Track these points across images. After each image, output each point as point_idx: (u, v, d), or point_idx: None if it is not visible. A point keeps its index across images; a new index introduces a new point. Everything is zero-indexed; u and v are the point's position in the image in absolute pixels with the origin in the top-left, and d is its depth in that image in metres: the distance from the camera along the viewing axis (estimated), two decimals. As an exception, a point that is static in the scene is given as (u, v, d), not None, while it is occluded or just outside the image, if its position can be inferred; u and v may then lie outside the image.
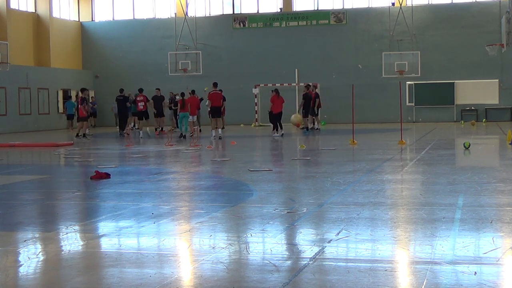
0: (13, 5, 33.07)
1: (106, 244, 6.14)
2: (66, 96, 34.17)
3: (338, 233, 6.24)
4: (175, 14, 36.79)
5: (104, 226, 7.05)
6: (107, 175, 11.19)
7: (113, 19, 38.27)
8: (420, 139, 20.97)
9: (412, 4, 34.23)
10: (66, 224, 7.14)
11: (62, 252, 5.90)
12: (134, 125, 28.50)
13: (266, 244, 5.96)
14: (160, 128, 26.58)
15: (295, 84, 33.72)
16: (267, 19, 36.04)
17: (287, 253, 5.62)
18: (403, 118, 22.48)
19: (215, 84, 23.38)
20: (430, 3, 34.76)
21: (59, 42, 35.90)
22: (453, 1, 34.37)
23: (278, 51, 35.58)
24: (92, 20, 38.50)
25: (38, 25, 34.90)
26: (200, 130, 25.30)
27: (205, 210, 7.88)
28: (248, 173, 11.52)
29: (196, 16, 36.80)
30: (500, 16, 29.71)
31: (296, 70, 34.70)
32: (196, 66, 35.70)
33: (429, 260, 5.17)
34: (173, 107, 27.29)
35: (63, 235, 6.62)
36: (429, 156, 14.44)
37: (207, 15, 37.04)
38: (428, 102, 33.90)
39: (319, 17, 35.44)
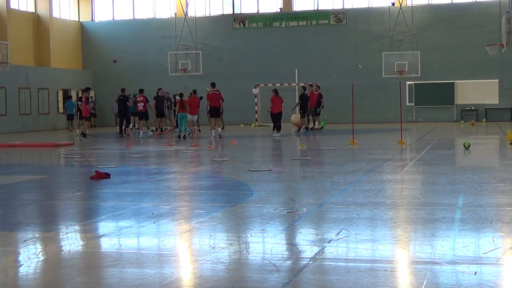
0: (13, 5, 33.07)
1: (106, 244, 6.14)
2: (66, 96, 34.19)
3: (338, 233, 6.24)
4: (175, 14, 36.79)
5: (104, 226, 7.05)
6: (107, 175, 11.19)
7: (113, 19, 38.27)
8: (420, 139, 20.97)
9: (412, 4, 34.23)
10: (66, 224, 7.14)
11: (62, 252, 5.90)
12: (134, 125, 28.51)
13: (266, 244, 5.96)
14: (160, 129, 26.58)
15: (295, 84, 33.71)
16: (267, 19, 36.04)
17: (287, 253, 5.62)
18: (403, 118, 22.48)
19: (213, 84, 23.41)
20: (430, 3, 34.76)
21: (59, 42, 35.90)
22: (453, 1, 34.37)
23: (278, 51, 35.58)
24: (92, 20, 38.50)
25: (38, 25, 34.90)
26: (199, 131, 25.31)
27: (205, 210, 7.88)
28: (248, 173, 11.52)
29: (196, 16, 36.81)
30: (500, 16, 29.72)
31: (296, 70, 34.69)
32: (196, 66, 35.70)
33: (429, 260, 5.17)
34: (172, 107, 27.32)
35: (63, 235, 6.62)
36: (429, 156, 14.44)
37: (207, 15, 37.04)
38: (428, 102, 33.90)
39: (319, 17, 35.44)
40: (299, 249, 5.81)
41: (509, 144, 16.94)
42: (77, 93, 34.47)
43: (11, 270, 5.25)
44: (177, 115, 24.08)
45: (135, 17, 37.99)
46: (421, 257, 5.35)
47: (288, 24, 35.73)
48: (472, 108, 33.50)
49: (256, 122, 33.20)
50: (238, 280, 4.76)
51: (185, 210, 8.04)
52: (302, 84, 30.53)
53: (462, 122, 32.45)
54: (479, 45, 31.93)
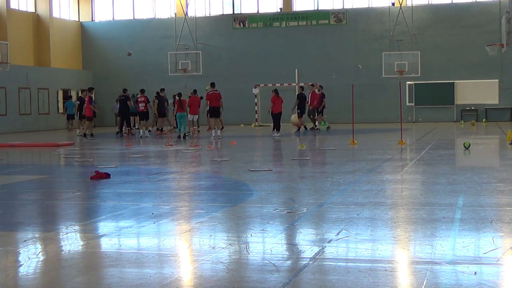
0: (13, 5, 33.07)
1: (106, 244, 6.14)
2: (66, 96, 34.20)
3: (338, 233, 6.24)
4: (175, 14, 36.79)
5: (104, 226, 7.05)
6: (107, 175, 11.19)
7: (113, 19, 38.27)
8: (420, 139, 20.97)
9: (412, 4, 34.23)
10: (66, 224, 7.14)
11: (62, 252, 5.90)
12: (134, 125, 28.49)
13: (266, 244, 5.96)
14: (161, 129, 26.57)
15: (295, 84, 33.72)
16: (267, 19, 36.04)
17: (287, 253, 5.62)
18: (403, 118, 22.48)
19: (212, 84, 23.41)
20: (430, 3, 34.76)
21: (59, 42, 35.90)
22: (453, 1, 34.37)
23: (278, 51, 35.58)
24: (92, 20, 38.50)
25: (38, 25, 34.90)
26: (198, 131, 25.31)
27: (205, 210, 7.88)
28: (248, 173, 11.52)
29: (196, 16, 36.81)
30: (500, 16, 29.72)
31: (296, 70, 34.70)
32: (196, 66, 35.70)
33: (429, 260, 5.17)
34: (173, 107, 27.34)
35: (63, 235, 6.62)
36: (429, 156, 14.44)
37: (207, 15, 37.04)
38: (428, 102, 33.90)
39: (319, 17, 35.44)
40: (299, 249, 5.81)
41: (509, 144, 16.94)
42: (77, 93, 34.46)
43: (11, 270, 5.25)
44: (175, 115, 24.08)
45: (135, 17, 37.99)
46: (421, 257, 5.35)
47: (288, 24, 35.73)
48: (472, 108, 33.50)
49: (256, 122, 33.21)
50: (238, 280, 4.76)
51: (185, 210, 8.04)
52: (301, 84, 30.54)
53: (462, 122, 32.46)
54: (479, 45, 31.93)
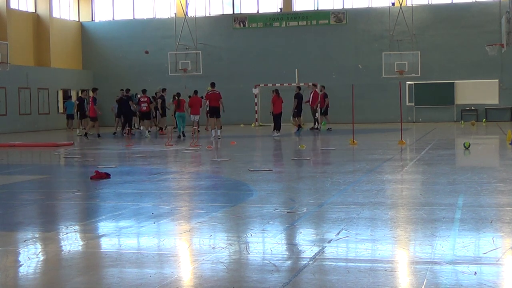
0: (13, 5, 33.07)
1: (106, 244, 6.14)
2: (66, 96, 34.19)
3: (338, 233, 6.24)
4: (175, 14, 36.79)
5: (104, 226, 7.05)
6: (107, 175, 11.19)
7: (113, 19, 38.26)
8: (420, 139, 20.97)
9: (412, 4, 34.22)
10: (66, 224, 7.14)
11: (62, 252, 5.90)
12: (135, 125, 28.49)
13: (266, 244, 5.96)
14: (161, 128, 26.56)
15: (295, 84, 33.70)
16: (267, 19, 36.04)
17: (287, 253, 5.62)
18: (403, 118, 22.48)
19: (212, 84, 23.40)
20: (430, 3, 34.75)
21: (59, 42, 35.89)
22: (453, 1, 34.37)
23: (278, 51, 35.57)
24: (92, 20, 38.50)
25: (38, 25, 34.90)
26: (198, 131, 25.31)
27: (205, 210, 7.88)
28: (248, 173, 11.52)
29: (196, 16, 36.80)
30: (500, 16, 29.71)
31: (296, 70, 34.69)
32: (196, 66, 35.69)
33: (429, 260, 5.17)
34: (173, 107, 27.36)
35: (63, 235, 6.62)
36: (429, 156, 14.44)
37: (207, 15, 37.04)
38: (428, 102, 33.89)
39: (319, 17, 35.44)
40: (299, 249, 5.81)
41: (509, 144, 16.94)
42: (77, 93, 34.45)
43: (11, 270, 5.25)
44: (175, 115, 24.08)
45: (135, 17, 37.98)
46: (421, 257, 5.35)
47: (288, 24, 35.72)
48: (472, 108, 33.49)
49: (256, 122, 33.20)
50: (238, 280, 4.76)
51: (185, 210, 8.04)
52: (301, 84, 30.54)
53: (462, 122, 32.45)
54: (479, 45, 31.92)
